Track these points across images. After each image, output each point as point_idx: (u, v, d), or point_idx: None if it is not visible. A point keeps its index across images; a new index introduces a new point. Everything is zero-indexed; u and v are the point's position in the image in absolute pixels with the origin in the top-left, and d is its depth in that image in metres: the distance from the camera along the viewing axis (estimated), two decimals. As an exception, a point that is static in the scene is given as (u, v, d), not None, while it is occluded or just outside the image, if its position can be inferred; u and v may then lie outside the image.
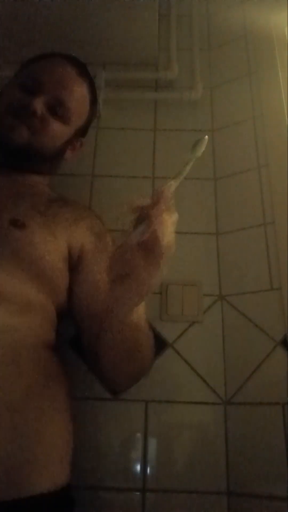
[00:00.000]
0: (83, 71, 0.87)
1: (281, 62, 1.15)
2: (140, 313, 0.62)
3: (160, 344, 0.91)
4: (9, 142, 0.77)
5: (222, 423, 0.85)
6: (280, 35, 1.19)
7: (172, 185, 0.54)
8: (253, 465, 0.79)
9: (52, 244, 0.70)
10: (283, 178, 0.97)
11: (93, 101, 0.90)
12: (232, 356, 0.90)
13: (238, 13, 1.30)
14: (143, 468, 0.82)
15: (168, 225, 0.50)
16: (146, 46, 1.21)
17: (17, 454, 0.53)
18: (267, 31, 1.21)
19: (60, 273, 0.70)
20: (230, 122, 1.15)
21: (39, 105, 0.78)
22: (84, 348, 0.74)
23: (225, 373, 0.89)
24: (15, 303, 0.62)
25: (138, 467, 0.82)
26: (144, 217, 0.49)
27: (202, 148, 0.55)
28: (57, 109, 0.80)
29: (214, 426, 0.85)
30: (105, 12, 1.11)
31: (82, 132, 0.90)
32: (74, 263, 0.74)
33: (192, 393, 0.87)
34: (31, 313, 0.64)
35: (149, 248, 0.51)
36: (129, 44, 1.19)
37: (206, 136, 0.55)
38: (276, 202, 0.98)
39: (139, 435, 0.84)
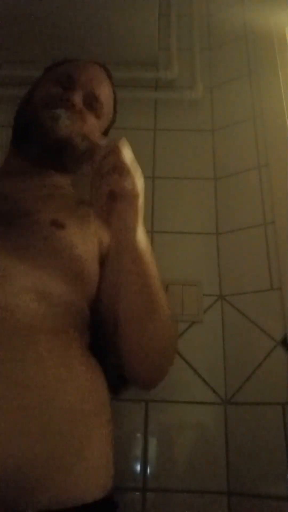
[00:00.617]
0: (110, 75, 0.90)
1: (281, 62, 1.15)
2: (153, 272, 0.63)
3: (160, 344, 0.91)
4: (50, 133, 0.76)
5: (222, 423, 0.85)
6: (280, 35, 1.19)
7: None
8: (253, 465, 0.80)
9: (88, 243, 0.70)
10: (283, 178, 0.97)
11: (115, 105, 0.92)
12: (232, 356, 0.90)
13: (238, 13, 1.30)
14: (143, 468, 0.82)
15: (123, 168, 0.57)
16: (146, 46, 1.21)
17: (68, 459, 0.49)
18: (267, 31, 1.21)
19: (95, 273, 0.69)
20: (230, 122, 1.15)
21: (78, 98, 0.79)
22: (105, 342, 0.72)
23: (225, 373, 0.89)
24: (60, 305, 0.60)
25: (138, 467, 0.82)
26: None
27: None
28: (92, 104, 0.82)
29: (214, 426, 0.85)
30: (105, 12, 1.11)
31: (105, 134, 0.90)
32: (102, 261, 0.73)
33: (192, 393, 0.87)
34: (73, 315, 0.63)
35: (116, 193, 0.59)
36: (129, 44, 1.19)
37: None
38: (276, 202, 0.98)
39: (139, 435, 0.84)
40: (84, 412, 0.53)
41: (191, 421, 0.86)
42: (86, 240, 0.69)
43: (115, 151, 0.58)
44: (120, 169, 0.58)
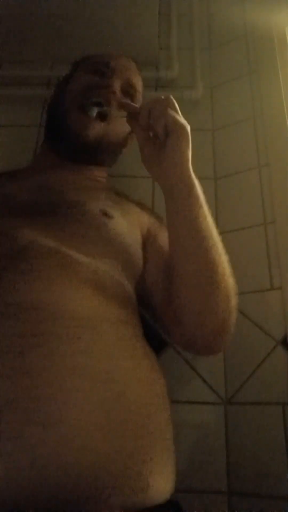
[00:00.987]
0: (139, 68, 0.92)
1: (281, 61, 1.15)
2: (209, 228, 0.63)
3: (160, 344, 0.91)
4: (83, 138, 0.76)
5: (222, 423, 0.85)
6: (280, 34, 1.19)
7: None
8: (253, 465, 0.79)
9: (134, 231, 0.70)
10: (284, 178, 0.97)
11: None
12: (232, 356, 0.90)
13: (238, 12, 1.30)
14: (143, 468, 0.81)
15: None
16: (146, 45, 1.21)
17: (142, 456, 0.46)
18: (268, 31, 1.21)
19: (141, 262, 0.69)
20: (231, 122, 1.15)
21: (117, 84, 0.80)
22: (158, 318, 0.71)
23: (225, 373, 0.89)
24: (117, 295, 0.60)
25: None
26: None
27: None
28: (129, 91, 0.83)
29: (214, 426, 0.85)
30: (106, 11, 1.11)
31: None
32: (143, 246, 0.73)
33: (192, 392, 0.87)
34: (130, 304, 0.62)
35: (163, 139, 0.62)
36: (130, 43, 1.19)
37: None
38: (276, 201, 0.98)
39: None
40: (152, 405, 0.51)
41: (191, 421, 0.85)
42: (131, 229, 0.69)
43: (164, 99, 0.63)
44: (173, 106, 0.63)
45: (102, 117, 0.77)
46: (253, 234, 0.98)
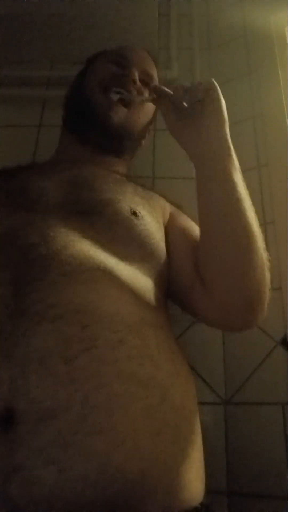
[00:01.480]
0: (151, 54, 0.92)
1: (281, 61, 1.15)
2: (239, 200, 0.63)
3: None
4: (107, 122, 0.77)
5: (222, 423, 0.85)
6: (280, 34, 1.19)
7: None
8: (253, 465, 0.79)
9: (160, 228, 0.69)
10: (283, 178, 0.97)
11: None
12: (232, 356, 0.90)
13: (238, 12, 1.30)
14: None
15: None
16: (146, 45, 1.20)
17: (182, 460, 0.46)
18: (267, 31, 1.21)
19: (166, 259, 0.68)
20: (230, 122, 1.13)
21: (136, 75, 0.81)
22: (186, 302, 0.70)
23: (225, 373, 0.89)
24: (151, 298, 0.59)
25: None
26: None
27: None
28: (147, 81, 0.84)
29: (214, 426, 0.85)
30: (105, 12, 1.11)
31: None
32: (166, 233, 0.73)
33: (192, 393, 0.87)
34: (162, 307, 0.62)
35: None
36: (129, 43, 1.18)
37: None
38: (276, 201, 0.98)
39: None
40: (189, 409, 0.52)
41: (191, 421, 0.85)
42: (158, 226, 0.69)
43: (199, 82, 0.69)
44: (208, 83, 0.68)
45: (124, 103, 0.78)
46: (253, 234, 0.98)
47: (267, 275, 0.63)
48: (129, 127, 0.80)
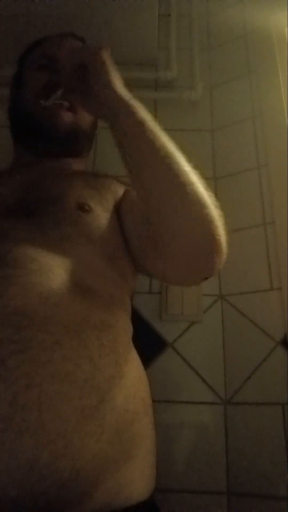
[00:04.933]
0: (84, 41, 0.90)
1: (281, 61, 1.15)
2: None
3: (160, 344, 0.91)
4: (54, 129, 0.76)
5: (222, 423, 0.85)
6: (280, 34, 1.19)
7: None
8: (253, 465, 0.80)
9: (112, 218, 0.68)
10: (283, 178, 0.97)
11: None
12: (232, 356, 0.90)
13: (237, 12, 1.30)
14: (143, 468, 0.82)
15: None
16: (145, 46, 1.21)
17: (121, 460, 0.48)
18: (267, 31, 1.21)
19: (123, 250, 0.67)
20: (230, 122, 1.15)
21: (67, 76, 0.76)
22: (146, 266, 0.68)
23: (225, 373, 0.89)
24: (102, 296, 0.58)
25: (138, 467, 0.82)
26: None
27: None
28: (84, 74, 0.79)
29: (214, 426, 0.85)
30: (105, 12, 1.11)
31: None
32: (119, 210, 0.71)
33: (192, 393, 0.87)
34: (117, 305, 0.61)
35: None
36: (129, 44, 1.19)
37: None
38: (276, 202, 0.98)
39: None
40: (134, 412, 0.52)
41: (191, 421, 0.85)
42: (108, 216, 0.67)
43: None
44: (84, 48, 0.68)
45: (67, 107, 0.77)
46: (253, 235, 0.98)
47: (212, 212, 0.59)
48: (79, 128, 0.78)
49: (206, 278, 0.64)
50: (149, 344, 0.91)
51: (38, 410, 0.42)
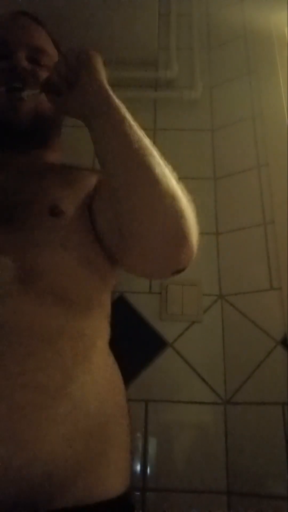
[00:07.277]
0: (38, 20, 0.85)
1: (281, 61, 1.15)
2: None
3: (160, 344, 0.91)
4: (16, 124, 0.71)
5: (222, 423, 0.85)
6: (280, 34, 1.19)
7: None
8: (253, 464, 0.80)
9: (87, 221, 0.66)
10: (283, 178, 0.97)
11: (56, 44, 0.85)
12: (232, 356, 0.90)
13: (238, 12, 1.30)
14: (143, 468, 0.82)
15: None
16: (146, 46, 1.21)
17: (93, 461, 0.49)
18: (267, 31, 1.21)
19: (101, 249, 0.65)
20: (230, 121, 1.15)
21: (22, 60, 0.72)
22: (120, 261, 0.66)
23: (225, 373, 0.89)
24: (78, 303, 0.58)
25: (138, 467, 0.82)
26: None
27: None
28: (38, 57, 0.76)
29: (214, 426, 0.85)
30: (105, 12, 1.11)
31: None
32: (93, 203, 0.69)
33: (192, 393, 0.87)
34: (92, 311, 0.60)
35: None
36: (129, 43, 1.19)
37: None
38: (276, 201, 0.98)
39: (139, 434, 0.84)
40: (106, 415, 0.53)
41: (191, 421, 0.86)
42: (83, 216, 0.65)
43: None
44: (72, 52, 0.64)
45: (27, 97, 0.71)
46: (253, 234, 0.98)
47: (181, 204, 0.60)
48: (41, 116, 0.73)
49: (178, 272, 0.62)
50: (149, 344, 0.91)
51: (9, 420, 0.44)
